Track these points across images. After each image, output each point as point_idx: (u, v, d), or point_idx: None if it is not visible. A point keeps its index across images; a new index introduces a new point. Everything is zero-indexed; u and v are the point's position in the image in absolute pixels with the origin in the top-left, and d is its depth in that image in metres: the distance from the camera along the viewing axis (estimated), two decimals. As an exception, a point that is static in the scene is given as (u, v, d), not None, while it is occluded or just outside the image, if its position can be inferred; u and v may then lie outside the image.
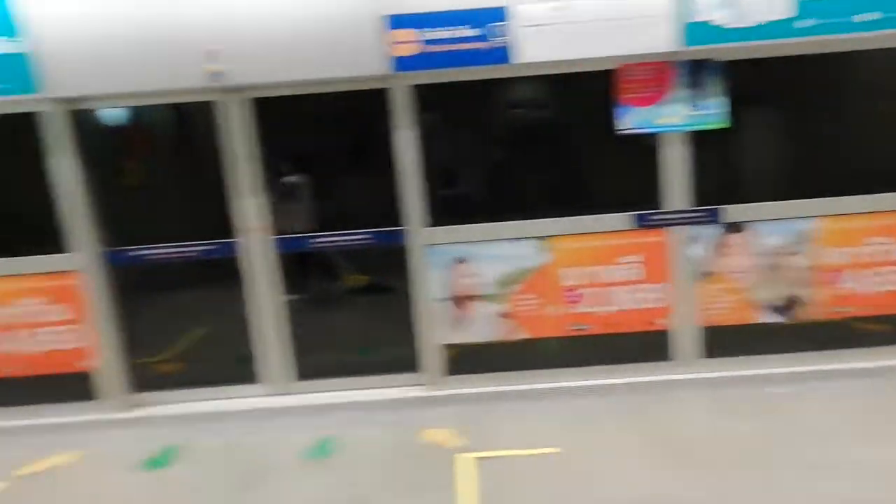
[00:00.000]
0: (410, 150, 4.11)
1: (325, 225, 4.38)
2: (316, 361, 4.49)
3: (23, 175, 4.37)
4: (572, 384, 4.30)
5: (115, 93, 4.05)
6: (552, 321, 4.31)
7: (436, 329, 4.33)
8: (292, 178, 4.53)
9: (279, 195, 4.38)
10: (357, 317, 4.78)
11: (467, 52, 3.94)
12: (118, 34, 3.90)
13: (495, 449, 3.66)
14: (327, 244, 4.33)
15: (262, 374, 4.45)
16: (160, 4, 3.88)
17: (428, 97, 4.07)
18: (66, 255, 4.24)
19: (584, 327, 4.31)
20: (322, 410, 4.26)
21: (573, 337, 4.32)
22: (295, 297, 4.47)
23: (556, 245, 4.22)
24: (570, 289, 4.27)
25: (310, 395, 4.39)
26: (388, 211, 4.24)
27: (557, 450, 3.59)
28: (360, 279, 4.84)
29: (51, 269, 4.28)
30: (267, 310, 4.37)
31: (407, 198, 4.17)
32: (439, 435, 3.87)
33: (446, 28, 3.93)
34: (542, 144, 4.44)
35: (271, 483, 3.52)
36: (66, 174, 4.12)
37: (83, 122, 4.16)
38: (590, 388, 4.27)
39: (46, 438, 4.21)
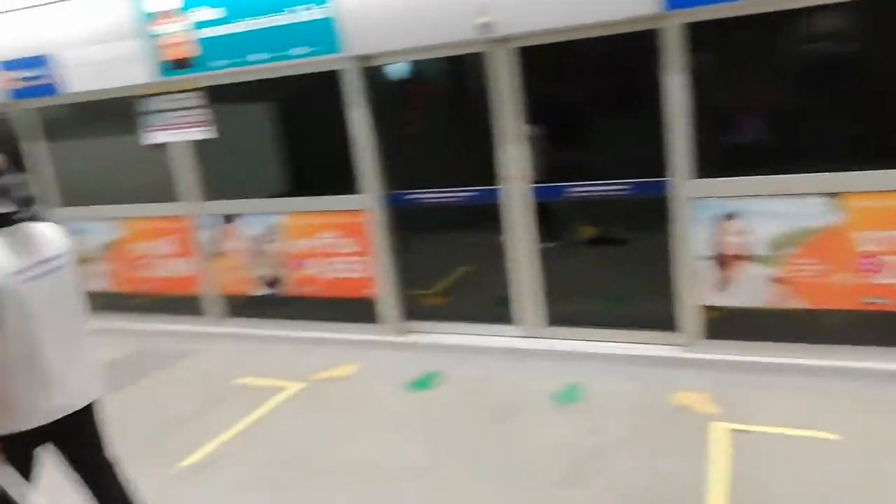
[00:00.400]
0: (680, 95, 3.83)
1: (584, 174, 4.34)
2: (568, 309, 4.55)
3: (327, 126, 5.10)
4: (862, 365, 3.72)
5: (401, 49, 4.45)
6: (839, 291, 3.74)
7: (696, 288, 4.07)
8: (540, 127, 4.49)
9: (532, 143, 4.42)
10: (611, 268, 4.69)
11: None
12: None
13: (756, 423, 3.37)
14: (584, 194, 4.30)
15: (517, 315, 4.66)
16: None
17: (702, 35, 3.73)
18: (357, 196, 4.87)
19: (882, 301, 3.67)
20: (572, 357, 4.33)
21: (865, 311, 3.72)
22: (549, 245, 4.56)
23: (852, 203, 3.61)
24: (867, 255, 3.65)
25: (561, 341, 4.49)
26: (649, 161, 4.05)
27: (835, 436, 3.17)
28: (591, 231, 4.75)
29: (345, 207, 4.95)
30: (523, 255, 4.52)
31: (673, 147, 3.92)
32: (692, 398, 3.67)
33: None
34: (841, 85, 3.78)
35: (520, 419, 3.71)
36: (359, 125, 4.69)
37: (374, 77, 4.67)
38: (888, 373, 3.65)
39: (336, 350, 4.98)
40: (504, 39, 4.17)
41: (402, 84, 4.99)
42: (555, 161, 4.51)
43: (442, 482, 3.18)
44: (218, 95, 5.15)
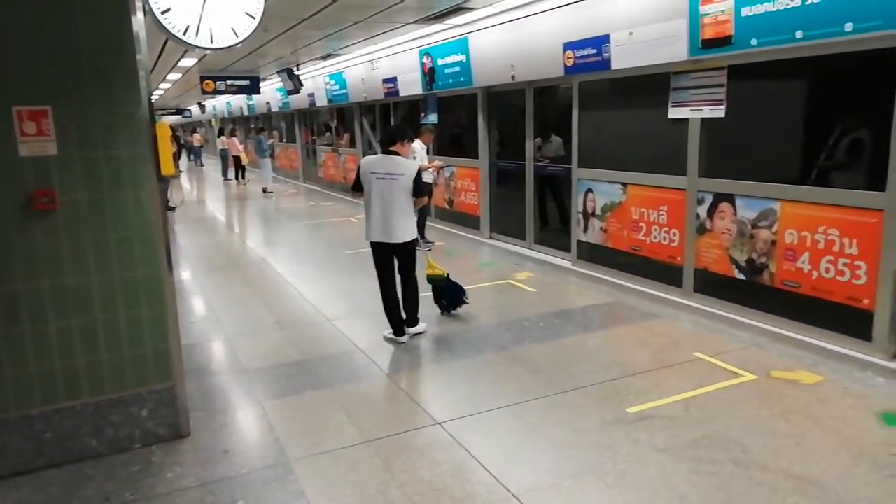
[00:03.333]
0: None
1: None
2: None
3: (854, 111, 4.57)
4: None
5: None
6: None
7: None
8: None
9: None
10: None
11: None
12: None
13: None
14: None
15: None
16: None
17: None
18: (875, 193, 4.27)
19: None
20: None
21: None
22: None
23: None
24: None
25: None
26: None
27: None
28: None
29: (857, 204, 4.40)
30: None
31: None
32: None
33: None
34: None
35: None
36: (901, 111, 4.06)
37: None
38: None
39: (801, 354, 4.62)
40: None
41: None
42: None
43: (895, 531, 2.72)
44: (738, 74, 5.16)
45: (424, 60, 10.14)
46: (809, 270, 4.78)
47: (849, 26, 4.23)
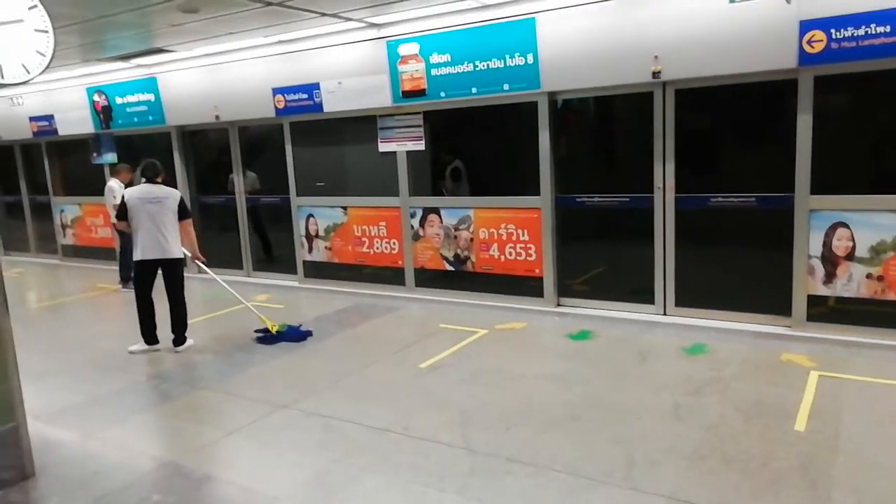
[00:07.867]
0: (806, 130, 5.01)
1: (724, 187, 5.59)
2: (699, 294, 5.80)
3: (514, 142, 6.69)
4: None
5: (585, 88, 5.98)
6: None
7: (806, 281, 5.19)
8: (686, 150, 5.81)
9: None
10: (734, 263, 5.79)
11: (879, 46, 4.62)
12: (588, 49, 5.76)
13: (842, 373, 4.46)
14: (723, 203, 5.53)
15: (653, 298, 5.97)
16: (618, 27, 5.60)
17: (831, 86, 4.94)
18: (535, 197, 6.39)
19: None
20: (699, 329, 5.58)
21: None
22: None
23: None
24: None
25: (688, 318, 5.76)
26: (774, 180, 5.26)
27: (907, 386, 4.21)
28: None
29: (524, 205, 6.49)
30: (666, 252, 5.84)
31: (798, 169, 5.09)
32: (795, 357, 4.81)
33: (859, 27, 4.69)
34: None
35: (656, 360, 5.01)
36: (543, 144, 6.23)
37: (554, 108, 6.23)
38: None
39: (506, 314, 6.49)
40: (668, 83, 5.55)
41: (561, 113, 6.44)
42: (698, 177, 5.80)
43: (599, 388, 4.52)
44: (433, 118, 6.92)
45: (96, 98, 9.74)
46: (499, 256, 6.74)
47: (507, 86, 6.28)
